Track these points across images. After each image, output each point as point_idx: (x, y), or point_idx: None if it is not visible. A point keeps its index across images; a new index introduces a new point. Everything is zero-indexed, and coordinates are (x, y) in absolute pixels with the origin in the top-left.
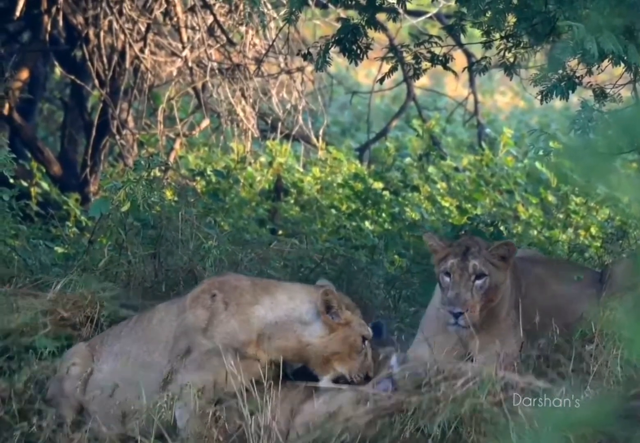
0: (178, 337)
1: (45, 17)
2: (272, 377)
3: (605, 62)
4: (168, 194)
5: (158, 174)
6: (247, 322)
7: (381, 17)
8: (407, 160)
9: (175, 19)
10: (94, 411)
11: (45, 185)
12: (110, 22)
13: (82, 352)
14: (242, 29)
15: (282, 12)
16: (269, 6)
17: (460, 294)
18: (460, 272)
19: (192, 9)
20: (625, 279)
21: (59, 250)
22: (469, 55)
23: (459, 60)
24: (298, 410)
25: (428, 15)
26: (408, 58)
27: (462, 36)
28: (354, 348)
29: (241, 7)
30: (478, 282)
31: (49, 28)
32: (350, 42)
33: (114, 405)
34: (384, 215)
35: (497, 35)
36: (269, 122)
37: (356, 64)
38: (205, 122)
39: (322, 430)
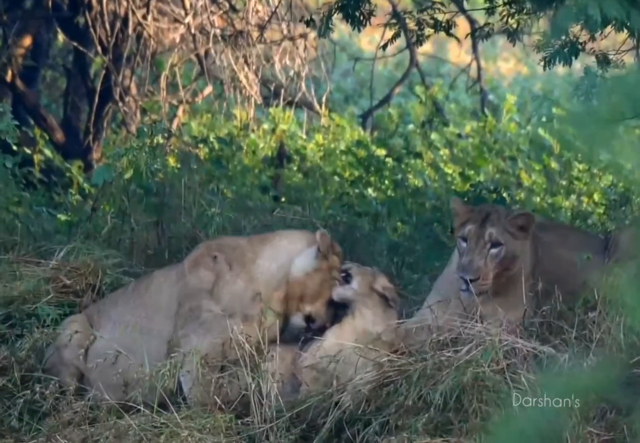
0: (182, 301)
1: None
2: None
3: (609, 28)
4: (171, 161)
5: (161, 141)
6: (253, 280)
7: None
8: (410, 127)
9: None
10: (94, 379)
11: (48, 152)
12: None
13: (81, 321)
14: None
15: None
16: None
17: (474, 261)
18: (477, 239)
19: None
20: (630, 247)
21: (62, 217)
22: (472, 21)
23: (462, 26)
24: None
25: None
26: (411, 24)
27: (465, 2)
28: (327, 293)
29: None
30: (493, 250)
31: None
32: (353, 9)
33: (116, 374)
34: (386, 182)
35: (500, 1)
36: (272, 88)
37: (359, 31)
38: (208, 89)
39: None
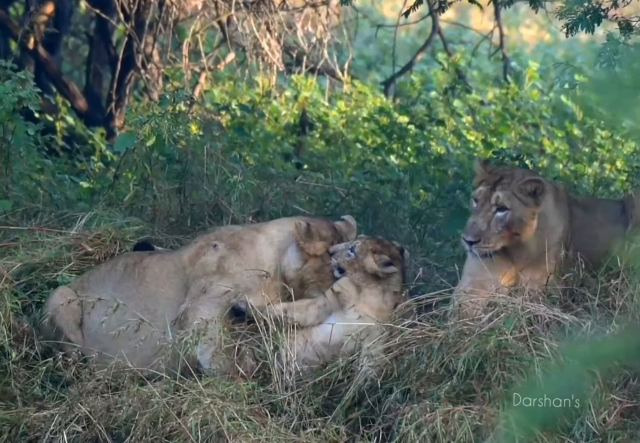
0: (190, 285)
1: None
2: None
3: None
4: (193, 128)
5: (183, 108)
6: (258, 261)
7: None
8: (433, 94)
9: None
10: (112, 350)
11: (70, 119)
12: None
13: (67, 294)
14: None
15: None
16: None
17: (477, 224)
18: (484, 201)
19: None
20: None
21: (84, 184)
22: None
23: None
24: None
25: None
26: None
27: None
28: (328, 277)
29: None
30: (499, 214)
31: None
32: None
33: (139, 342)
34: (409, 149)
35: None
36: (294, 55)
37: None
38: (231, 56)
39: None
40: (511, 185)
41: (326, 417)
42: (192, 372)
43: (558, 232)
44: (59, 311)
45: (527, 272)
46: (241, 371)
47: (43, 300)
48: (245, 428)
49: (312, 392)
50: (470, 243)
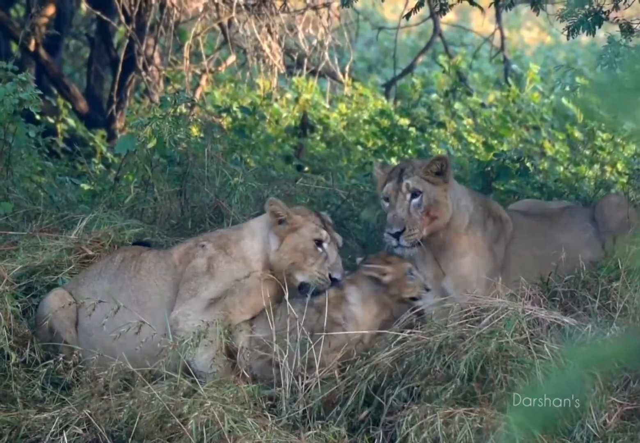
0: (180, 286)
1: None
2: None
3: None
4: (194, 130)
5: (184, 110)
6: (245, 259)
7: None
8: (434, 96)
9: None
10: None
11: (71, 121)
12: None
13: (60, 296)
14: None
15: None
16: None
17: (397, 214)
18: (395, 194)
19: None
20: (615, 215)
21: (85, 187)
22: None
23: None
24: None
25: None
26: None
27: None
28: (308, 254)
29: None
30: (414, 200)
31: None
32: None
33: (139, 344)
34: (410, 151)
35: None
36: (295, 58)
37: (382, 0)
38: (232, 58)
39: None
40: (415, 171)
41: (327, 420)
42: (193, 374)
43: (469, 215)
44: (54, 312)
45: (444, 260)
46: (245, 373)
47: None
48: (246, 430)
49: (311, 396)
50: (397, 235)
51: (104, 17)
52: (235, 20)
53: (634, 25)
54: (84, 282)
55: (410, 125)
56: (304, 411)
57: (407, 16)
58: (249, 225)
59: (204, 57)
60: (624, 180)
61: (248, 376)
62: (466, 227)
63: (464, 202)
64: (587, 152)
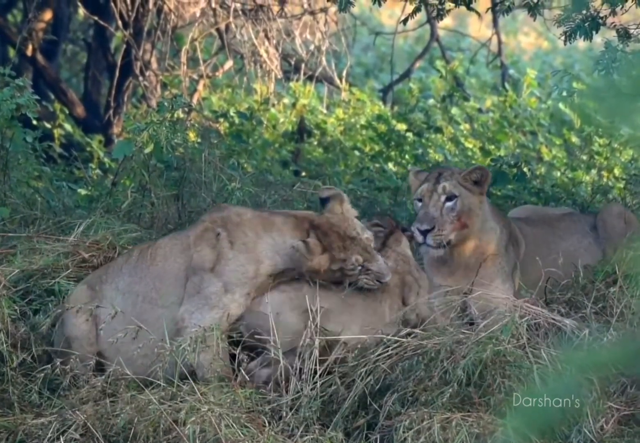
0: (190, 275)
1: None
2: None
3: (629, 2)
4: (191, 135)
5: (181, 115)
6: (255, 260)
7: None
8: (431, 101)
9: None
10: (113, 353)
11: (68, 126)
12: None
13: (85, 295)
14: None
15: None
16: None
17: (429, 212)
18: (430, 195)
19: None
20: (617, 225)
21: (82, 192)
22: None
23: (483, 0)
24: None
25: None
26: None
27: None
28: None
29: None
30: (449, 203)
31: None
32: None
33: (137, 349)
34: (407, 156)
35: None
36: (292, 63)
37: (380, 5)
38: (229, 64)
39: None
40: (454, 176)
41: (324, 425)
42: (190, 379)
43: (496, 238)
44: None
45: (459, 277)
46: (246, 377)
47: (41, 307)
48: (243, 435)
49: (312, 398)
50: (425, 232)
51: (102, 22)
52: (233, 26)
53: (631, 31)
54: (106, 279)
55: (407, 131)
56: (303, 416)
57: (405, 21)
58: (272, 234)
59: (201, 62)
60: (621, 185)
61: (248, 378)
62: (494, 251)
63: (491, 224)
64: (584, 157)
